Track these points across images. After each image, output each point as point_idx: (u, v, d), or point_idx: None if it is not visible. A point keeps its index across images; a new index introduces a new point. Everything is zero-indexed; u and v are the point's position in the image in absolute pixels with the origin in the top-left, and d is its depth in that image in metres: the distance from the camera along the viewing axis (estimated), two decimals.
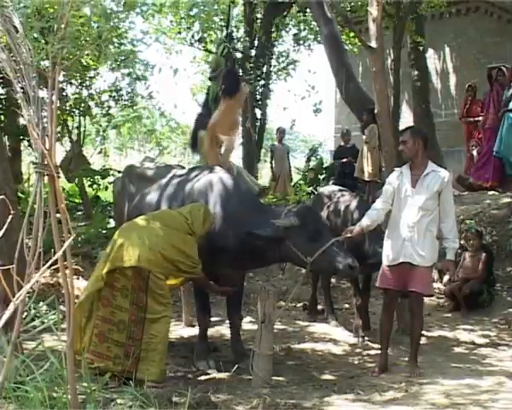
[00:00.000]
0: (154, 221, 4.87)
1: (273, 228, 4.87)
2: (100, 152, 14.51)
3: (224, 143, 6.72)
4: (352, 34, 13.43)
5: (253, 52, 14.48)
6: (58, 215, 2.98)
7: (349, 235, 5.10)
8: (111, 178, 11.99)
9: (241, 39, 14.71)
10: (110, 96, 12.36)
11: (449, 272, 6.84)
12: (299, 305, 7.66)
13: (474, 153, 10.77)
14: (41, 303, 5.55)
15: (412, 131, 5.22)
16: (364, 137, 10.20)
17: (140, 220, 4.98)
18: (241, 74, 6.90)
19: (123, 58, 11.54)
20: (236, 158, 13.75)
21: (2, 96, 11.18)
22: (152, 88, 13.19)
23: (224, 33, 6.66)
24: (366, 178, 10.23)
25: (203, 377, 4.96)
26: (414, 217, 5.02)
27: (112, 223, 9.27)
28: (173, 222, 4.87)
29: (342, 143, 11.95)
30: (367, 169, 10.16)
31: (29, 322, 4.25)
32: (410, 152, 5.11)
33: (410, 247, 5.01)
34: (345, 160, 11.28)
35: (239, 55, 13.59)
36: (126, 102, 12.71)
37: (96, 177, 12.05)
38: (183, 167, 6.33)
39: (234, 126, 6.98)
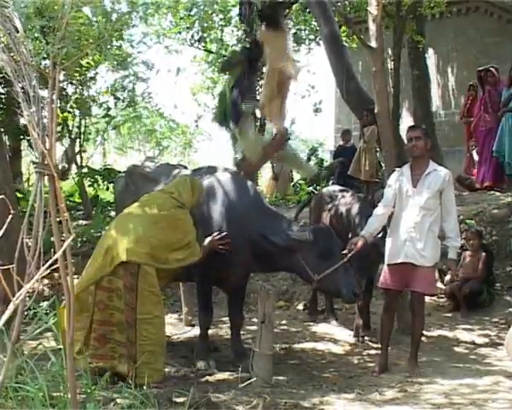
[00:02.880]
0: (137, 210, 4.74)
1: (287, 238, 4.89)
2: (106, 153, 14.51)
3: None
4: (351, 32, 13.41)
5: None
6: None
7: (354, 250, 5.02)
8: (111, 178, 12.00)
9: (241, 40, 14.71)
10: (113, 95, 12.34)
11: (450, 271, 6.84)
12: (299, 305, 7.67)
13: (474, 153, 10.77)
14: (41, 303, 5.55)
15: (422, 131, 5.20)
16: (365, 136, 10.20)
17: (123, 215, 4.88)
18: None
19: (122, 60, 11.53)
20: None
21: (2, 96, 11.17)
22: (151, 89, 13.14)
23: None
24: (362, 178, 10.26)
25: (203, 377, 4.97)
26: (415, 217, 5.01)
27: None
28: (157, 203, 4.74)
29: (342, 143, 11.95)
30: (364, 169, 10.18)
31: (30, 322, 4.25)
32: (420, 150, 5.08)
33: (411, 247, 5.00)
34: (341, 159, 11.27)
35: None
36: (126, 103, 12.69)
37: (96, 177, 12.06)
38: (186, 167, 6.35)
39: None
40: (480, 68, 10.65)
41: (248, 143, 7.17)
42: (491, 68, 10.27)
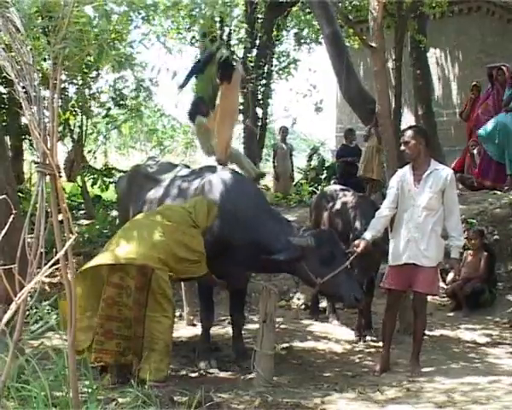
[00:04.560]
0: (156, 217, 4.88)
1: (291, 250, 4.90)
2: (108, 153, 14.52)
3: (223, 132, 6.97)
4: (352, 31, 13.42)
5: (255, 52, 14.49)
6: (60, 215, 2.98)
7: (356, 252, 5.00)
8: (113, 178, 12.02)
9: (243, 39, 14.72)
10: (112, 98, 12.35)
11: (453, 270, 6.83)
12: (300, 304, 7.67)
13: (475, 152, 10.73)
14: (43, 303, 5.56)
15: (413, 131, 5.16)
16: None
17: (142, 218, 5.01)
18: (234, 59, 7.35)
19: (122, 61, 11.50)
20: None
21: (4, 96, 11.18)
22: (151, 89, 13.12)
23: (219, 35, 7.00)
24: (375, 177, 10.35)
25: (205, 377, 4.97)
26: (418, 217, 4.99)
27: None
28: (176, 216, 4.87)
29: (345, 143, 11.96)
30: (376, 169, 10.26)
31: (32, 322, 4.26)
32: (412, 152, 5.06)
33: (414, 248, 4.99)
34: (349, 159, 11.29)
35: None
36: (129, 105, 12.70)
37: (98, 176, 12.08)
38: (188, 166, 6.36)
39: (234, 112, 7.24)
40: (492, 65, 10.63)
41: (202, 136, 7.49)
42: (503, 67, 10.25)
